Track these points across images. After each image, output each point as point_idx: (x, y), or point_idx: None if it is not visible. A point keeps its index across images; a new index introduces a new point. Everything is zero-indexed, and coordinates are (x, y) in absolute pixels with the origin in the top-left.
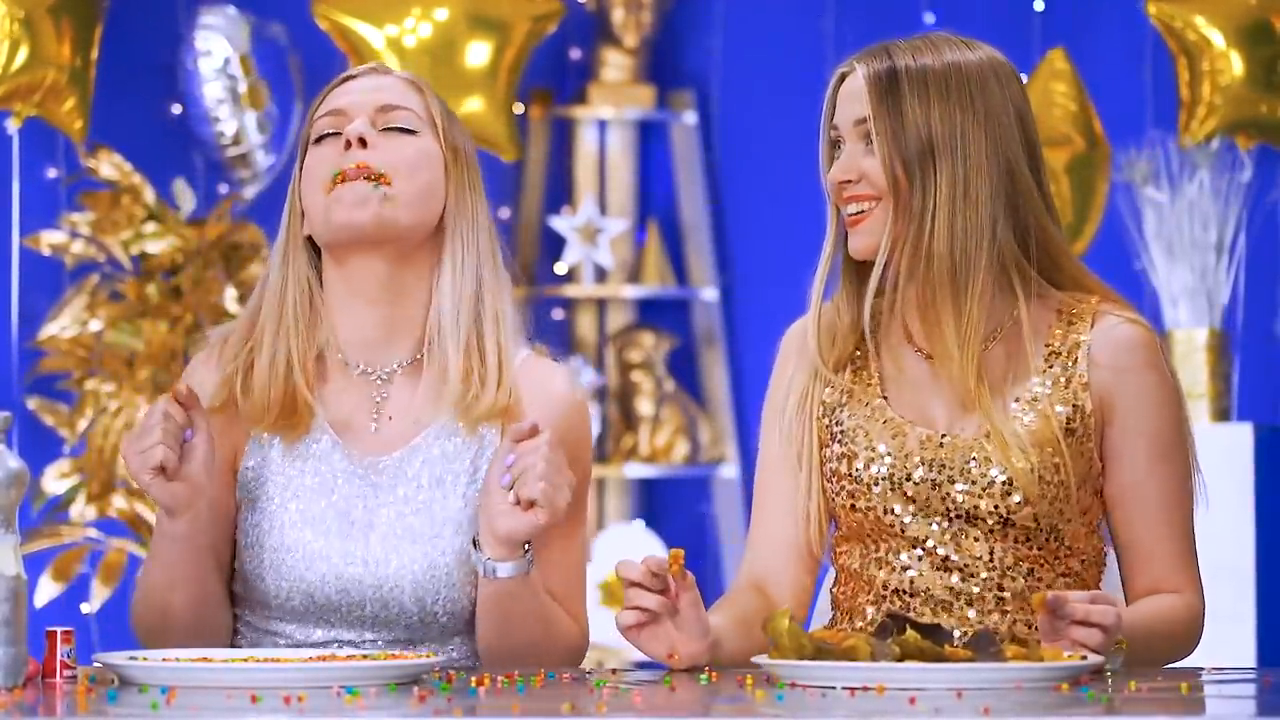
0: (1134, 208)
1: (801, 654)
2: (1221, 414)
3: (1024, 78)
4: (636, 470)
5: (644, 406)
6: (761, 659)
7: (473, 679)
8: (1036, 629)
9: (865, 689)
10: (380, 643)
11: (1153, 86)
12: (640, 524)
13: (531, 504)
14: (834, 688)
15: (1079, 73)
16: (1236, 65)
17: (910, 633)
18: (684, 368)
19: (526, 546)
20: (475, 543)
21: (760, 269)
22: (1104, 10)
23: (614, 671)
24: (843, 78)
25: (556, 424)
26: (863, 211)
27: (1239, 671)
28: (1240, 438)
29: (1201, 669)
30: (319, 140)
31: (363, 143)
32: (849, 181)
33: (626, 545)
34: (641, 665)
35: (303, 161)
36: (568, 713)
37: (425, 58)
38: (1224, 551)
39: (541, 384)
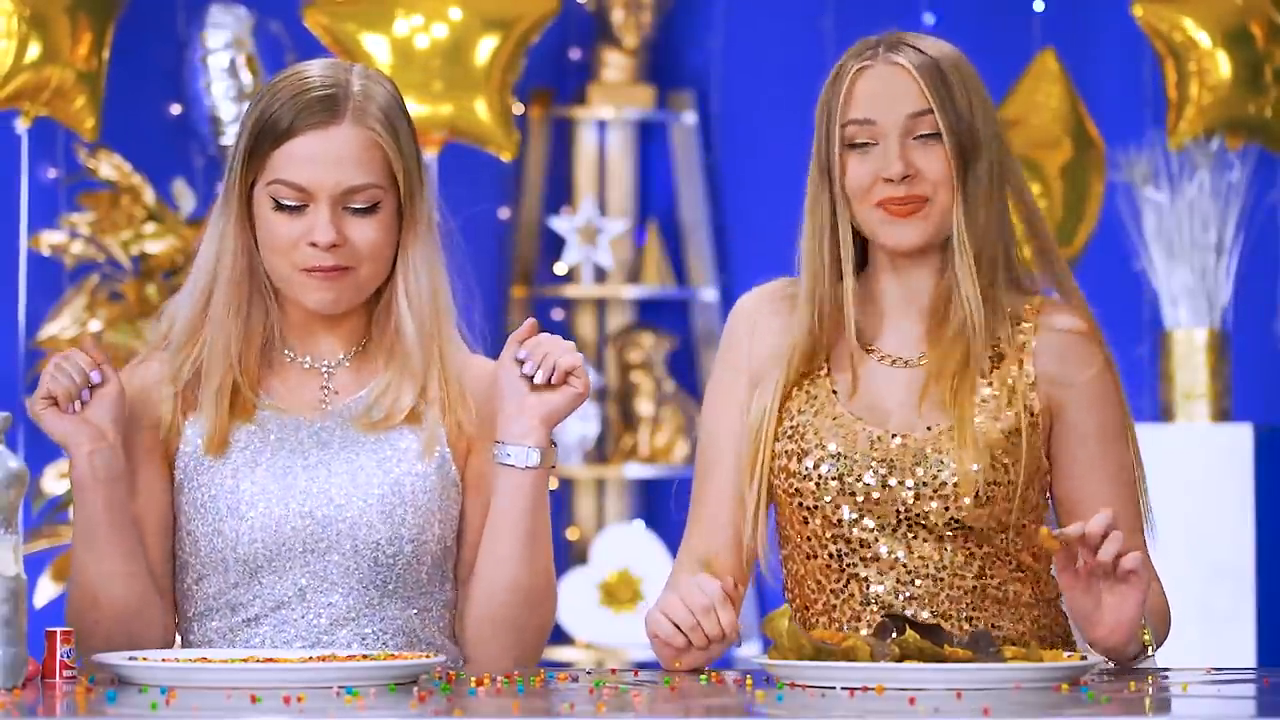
0: (1133, 208)
1: (801, 654)
2: (1221, 414)
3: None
4: (636, 470)
5: (644, 407)
6: (761, 659)
7: (473, 679)
8: (996, 628)
9: (865, 689)
10: (350, 595)
11: (1152, 87)
12: (640, 524)
13: (565, 378)
14: (834, 688)
15: (1079, 73)
16: (1224, 66)
17: (909, 633)
18: (684, 368)
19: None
20: (498, 451)
21: (760, 269)
22: (1104, 10)
23: (614, 671)
24: (858, 72)
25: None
26: (914, 200)
27: (1239, 671)
28: (1240, 438)
29: (1201, 669)
30: (280, 206)
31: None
32: (908, 178)
33: (626, 545)
34: (641, 665)
35: (252, 172)
36: (568, 712)
37: (435, 59)
38: (1224, 551)
39: (479, 379)
